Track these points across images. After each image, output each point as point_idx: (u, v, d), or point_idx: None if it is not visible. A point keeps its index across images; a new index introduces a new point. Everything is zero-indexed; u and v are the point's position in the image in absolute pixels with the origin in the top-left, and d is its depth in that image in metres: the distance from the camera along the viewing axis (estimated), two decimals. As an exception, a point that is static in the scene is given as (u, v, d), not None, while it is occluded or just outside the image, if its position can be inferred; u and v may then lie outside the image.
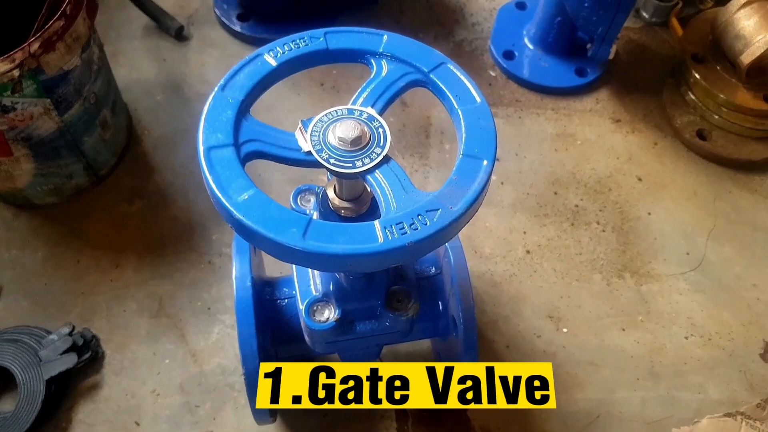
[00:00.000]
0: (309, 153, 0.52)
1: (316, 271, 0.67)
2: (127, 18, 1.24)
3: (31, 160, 0.91)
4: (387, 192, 0.50)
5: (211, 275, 0.96)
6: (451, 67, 0.57)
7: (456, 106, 0.55)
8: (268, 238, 0.46)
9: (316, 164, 0.52)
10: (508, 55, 1.20)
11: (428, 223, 0.47)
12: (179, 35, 1.21)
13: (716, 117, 1.08)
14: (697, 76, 1.08)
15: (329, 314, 0.64)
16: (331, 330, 0.64)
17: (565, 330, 0.93)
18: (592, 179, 1.08)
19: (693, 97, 1.10)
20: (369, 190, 0.57)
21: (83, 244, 0.98)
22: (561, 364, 0.90)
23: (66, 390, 0.86)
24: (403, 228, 0.47)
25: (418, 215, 0.48)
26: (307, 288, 0.67)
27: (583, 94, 1.18)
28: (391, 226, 0.47)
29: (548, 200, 1.05)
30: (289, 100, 1.13)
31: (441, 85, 0.56)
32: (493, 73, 1.20)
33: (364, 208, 0.59)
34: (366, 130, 0.53)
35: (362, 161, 0.52)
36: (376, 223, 0.48)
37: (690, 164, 1.10)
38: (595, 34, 1.08)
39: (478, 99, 0.55)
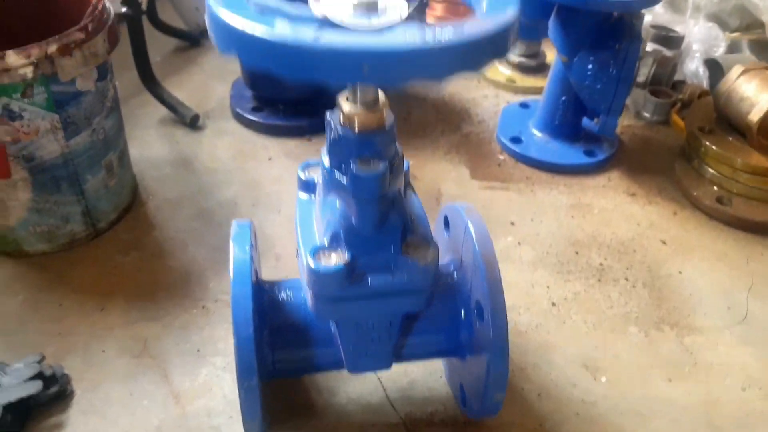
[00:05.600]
0: (324, 17, 0.50)
1: (321, 218, 0.60)
2: (144, 113, 1.29)
3: (29, 188, 0.88)
4: None
5: (203, 319, 0.87)
6: None
7: None
8: (279, 42, 0.41)
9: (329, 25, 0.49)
10: (516, 140, 1.22)
11: (453, 34, 0.43)
12: (194, 124, 1.25)
13: (734, 183, 1.06)
14: (709, 144, 1.08)
15: (337, 258, 0.56)
16: (339, 276, 0.55)
17: (603, 379, 0.81)
18: (614, 242, 1.02)
19: (707, 167, 1.10)
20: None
21: (68, 290, 0.90)
22: (604, 414, 0.77)
23: (23, 425, 0.72)
24: (426, 35, 0.42)
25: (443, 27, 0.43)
26: (311, 239, 0.60)
27: (593, 172, 1.18)
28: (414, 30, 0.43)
29: (569, 258, 0.99)
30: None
31: None
32: (501, 157, 1.21)
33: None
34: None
35: (379, 19, 0.49)
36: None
37: (715, 230, 1.05)
38: (600, 106, 1.11)
39: None
